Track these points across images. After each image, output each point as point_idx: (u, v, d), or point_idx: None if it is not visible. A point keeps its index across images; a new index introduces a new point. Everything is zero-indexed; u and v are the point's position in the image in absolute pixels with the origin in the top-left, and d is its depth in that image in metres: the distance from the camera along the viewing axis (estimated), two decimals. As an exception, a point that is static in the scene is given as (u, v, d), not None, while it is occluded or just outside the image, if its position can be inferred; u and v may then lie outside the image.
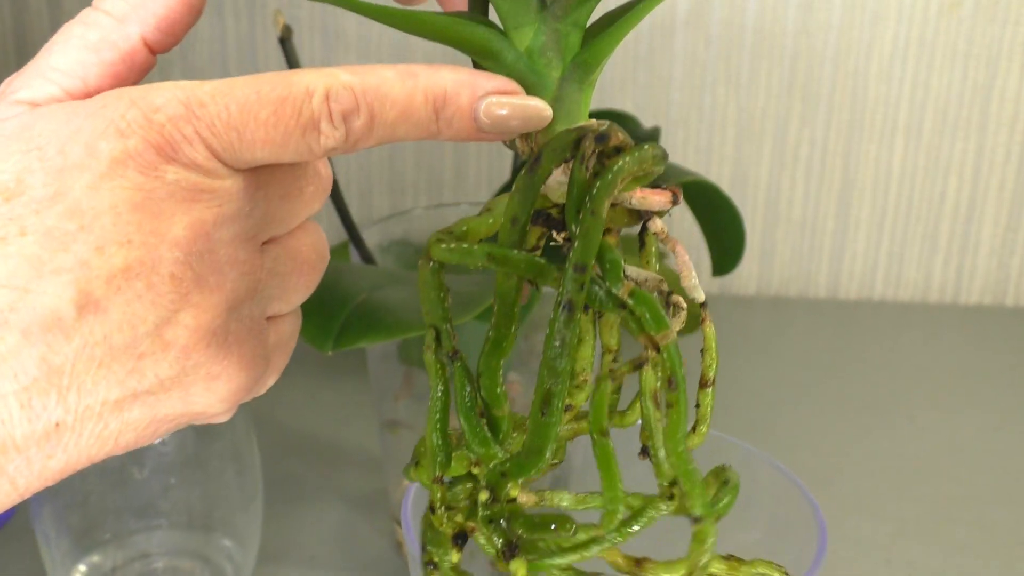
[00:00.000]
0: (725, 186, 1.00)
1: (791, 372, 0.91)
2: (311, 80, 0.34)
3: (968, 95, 0.97)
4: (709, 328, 0.38)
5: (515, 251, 0.35)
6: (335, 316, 0.56)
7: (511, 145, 0.38)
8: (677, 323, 0.35)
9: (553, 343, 0.33)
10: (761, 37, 0.95)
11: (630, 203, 0.36)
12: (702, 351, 0.37)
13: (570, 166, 0.35)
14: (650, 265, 0.37)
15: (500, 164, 0.99)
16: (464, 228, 0.36)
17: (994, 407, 0.87)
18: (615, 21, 0.36)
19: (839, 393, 0.88)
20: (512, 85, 0.36)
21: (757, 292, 1.04)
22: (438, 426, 0.37)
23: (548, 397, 0.34)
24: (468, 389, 0.36)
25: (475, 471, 0.37)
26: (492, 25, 0.36)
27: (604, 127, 0.34)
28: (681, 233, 1.00)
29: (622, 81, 0.98)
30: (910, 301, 1.03)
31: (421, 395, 0.65)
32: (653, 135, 0.71)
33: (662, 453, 0.34)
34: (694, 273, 0.37)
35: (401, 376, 0.67)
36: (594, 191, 0.33)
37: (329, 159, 0.65)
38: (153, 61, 0.37)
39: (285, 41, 0.62)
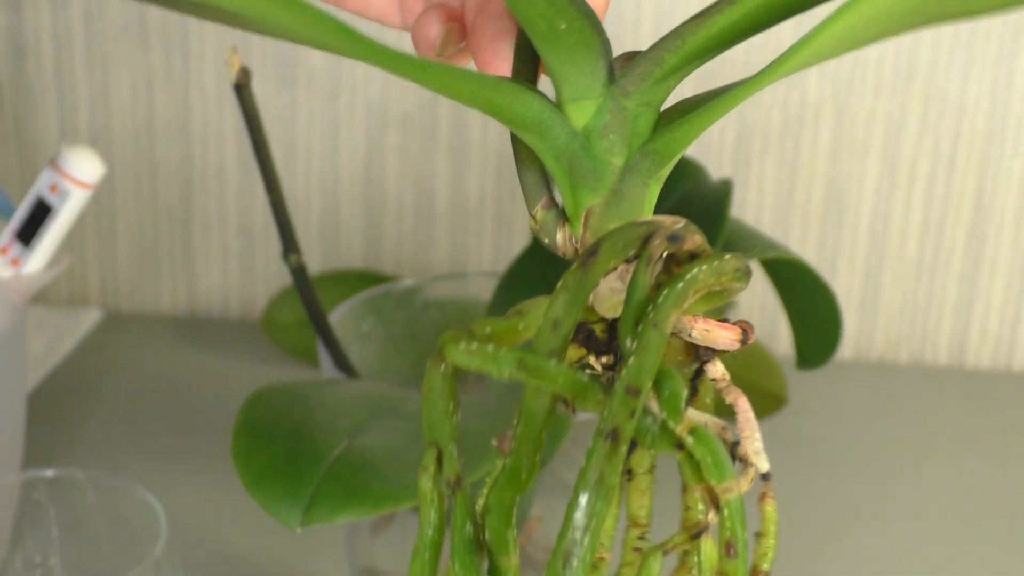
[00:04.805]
0: (816, 209, 0.96)
1: (900, 464, 0.86)
2: None
3: None
4: (770, 507, 0.37)
5: (553, 361, 0.35)
6: (305, 479, 0.51)
7: (543, 235, 0.39)
8: (745, 482, 0.36)
9: (587, 480, 0.33)
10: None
11: (689, 334, 0.36)
12: (757, 534, 0.37)
13: (631, 268, 0.36)
14: None
15: (507, 244, 0.99)
16: (487, 330, 0.37)
17: None
18: (699, 106, 0.36)
19: (968, 496, 0.83)
20: None
21: (855, 356, 1.00)
22: (425, 571, 0.37)
23: (569, 552, 0.34)
24: (470, 528, 0.37)
25: None
26: (539, 93, 0.37)
27: (679, 225, 0.35)
28: (756, 310, 0.99)
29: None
30: (1064, 372, 0.99)
31: (406, 531, 0.65)
32: (723, 189, 0.66)
33: None
34: (759, 435, 0.36)
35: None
36: (660, 300, 0.34)
37: (287, 219, 0.62)
38: None
39: (242, 88, 0.60)
